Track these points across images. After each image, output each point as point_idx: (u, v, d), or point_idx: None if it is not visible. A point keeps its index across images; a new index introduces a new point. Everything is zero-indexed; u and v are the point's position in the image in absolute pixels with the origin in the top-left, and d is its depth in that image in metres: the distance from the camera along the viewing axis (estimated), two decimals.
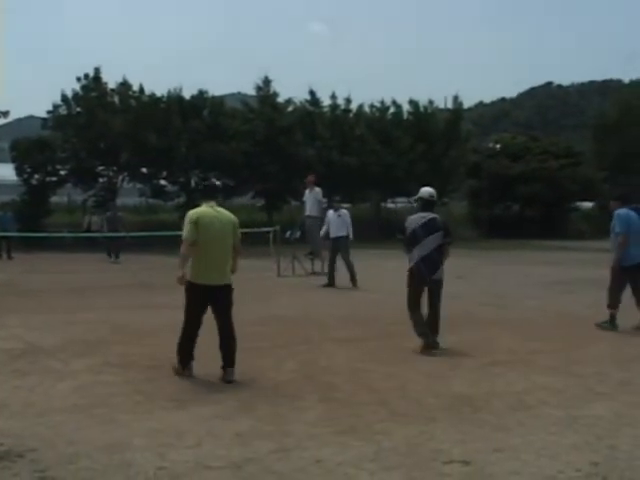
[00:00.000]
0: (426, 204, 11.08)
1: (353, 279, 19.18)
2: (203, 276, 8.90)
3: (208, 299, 8.97)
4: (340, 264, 19.27)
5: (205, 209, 9.07)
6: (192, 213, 9.02)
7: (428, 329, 10.76)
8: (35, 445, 6.41)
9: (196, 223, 8.86)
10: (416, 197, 11.44)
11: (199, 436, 6.68)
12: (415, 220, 10.86)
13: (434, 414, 7.44)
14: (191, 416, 7.33)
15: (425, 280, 10.82)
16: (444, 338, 10.99)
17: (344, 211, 20.13)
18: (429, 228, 10.75)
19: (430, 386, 8.65)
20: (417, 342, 10.71)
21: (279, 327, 12.78)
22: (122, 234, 28.06)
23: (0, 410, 7.52)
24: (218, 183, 41.37)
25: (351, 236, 19.70)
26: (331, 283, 19.35)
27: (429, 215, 10.89)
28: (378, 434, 6.77)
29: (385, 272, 20.44)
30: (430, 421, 7.19)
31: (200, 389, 8.45)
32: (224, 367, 8.92)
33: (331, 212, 20.04)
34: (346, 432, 6.82)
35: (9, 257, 29.08)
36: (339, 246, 19.40)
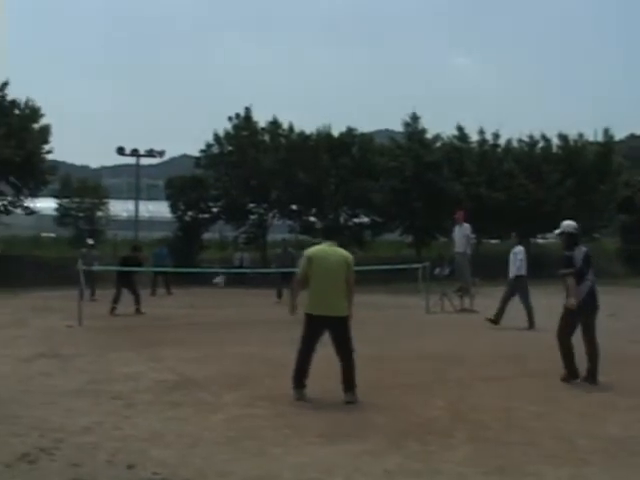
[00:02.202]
0: (575, 237, 11.30)
1: (530, 320, 17.96)
2: (316, 307, 9.70)
3: (322, 329, 9.76)
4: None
5: (321, 247, 10.05)
6: (308, 251, 10.01)
7: (575, 362, 11.02)
8: (188, 475, 6.58)
9: (310, 261, 9.80)
10: (559, 232, 11.47)
11: (348, 472, 6.70)
12: (578, 255, 11.03)
13: (587, 457, 7.23)
14: (340, 451, 7.35)
15: (588, 312, 11.04)
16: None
17: (518, 248, 18.96)
18: (589, 262, 11.09)
19: (582, 427, 8.43)
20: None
21: (427, 364, 12.71)
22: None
23: (155, 440, 7.75)
24: (366, 220, 41.54)
25: (522, 272, 18.45)
26: (497, 320, 18.09)
27: (583, 248, 11.20)
28: (529, 475, 6.65)
29: (537, 310, 20.01)
30: (583, 464, 7.00)
31: (349, 424, 8.47)
32: (344, 390, 9.64)
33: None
34: (495, 472, 6.73)
35: (168, 292, 29.40)
36: (517, 286, 18.41)
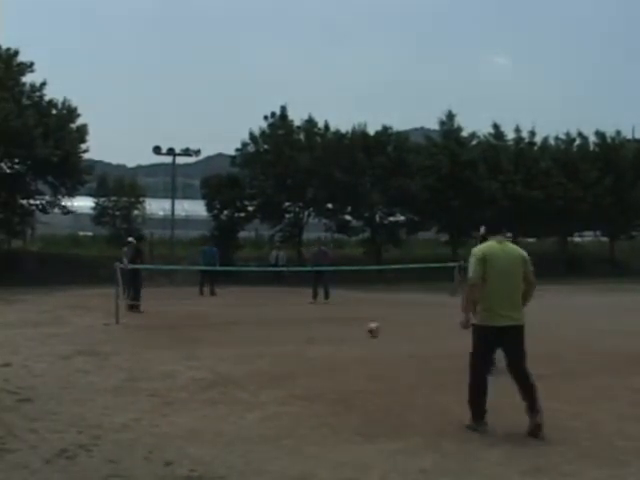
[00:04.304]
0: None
1: None
2: (492, 317, 8.23)
3: (498, 342, 8.43)
4: None
5: (491, 244, 8.48)
6: (477, 250, 8.49)
7: None
8: (225, 473, 6.60)
9: (483, 260, 8.27)
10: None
11: (384, 471, 6.68)
12: None
13: (626, 457, 7.15)
14: (376, 450, 7.33)
15: None
16: (630, 379, 10.71)
17: None
18: None
19: (621, 428, 8.33)
20: None
21: (462, 363, 12.63)
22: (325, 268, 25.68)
23: (192, 438, 7.77)
24: (402, 218, 41.47)
25: None
26: None
27: None
28: (566, 475, 6.59)
29: (573, 309, 19.86)
30: (622, 465, 6.92)
31: (386, 423, 8.45)
32: (529, 414, 8.27)
33: None
34: (532, 472, 6.67)
35: (212, 293, 28.66)
36: None
